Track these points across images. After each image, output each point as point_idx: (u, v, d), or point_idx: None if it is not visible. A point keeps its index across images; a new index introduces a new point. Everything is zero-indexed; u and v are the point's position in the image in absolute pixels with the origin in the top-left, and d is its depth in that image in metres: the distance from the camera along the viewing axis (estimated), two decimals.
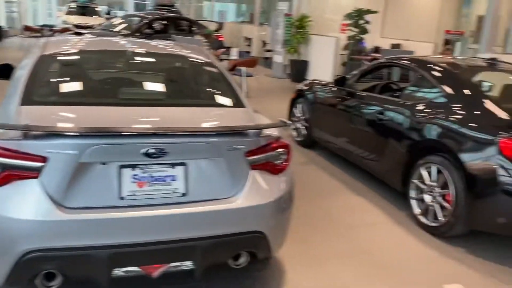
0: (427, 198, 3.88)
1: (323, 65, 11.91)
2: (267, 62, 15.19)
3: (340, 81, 5.26)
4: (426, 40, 12.16)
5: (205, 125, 2.66)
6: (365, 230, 3.91)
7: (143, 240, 2.31)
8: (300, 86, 6.33)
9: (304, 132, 6.13)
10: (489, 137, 3.39)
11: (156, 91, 3.21)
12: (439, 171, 3.74)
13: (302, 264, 3.29)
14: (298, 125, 6.27)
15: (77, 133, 2.24)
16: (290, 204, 2.79)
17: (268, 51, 15.42)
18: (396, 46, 12.74)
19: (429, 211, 3.86)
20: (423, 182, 3.93)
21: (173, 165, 2.39)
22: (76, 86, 3.05)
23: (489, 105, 3.70)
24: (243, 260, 2.61)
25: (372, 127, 4.63)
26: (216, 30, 14.24)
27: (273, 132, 2.73)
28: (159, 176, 2.38)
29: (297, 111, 6.31)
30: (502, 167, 3.27)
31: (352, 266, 3.32)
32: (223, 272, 2.92)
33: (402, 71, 4.92)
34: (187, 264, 2.43)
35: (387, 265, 3.36)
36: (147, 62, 3.47)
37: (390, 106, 4.44)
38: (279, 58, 13.47)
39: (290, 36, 12.66)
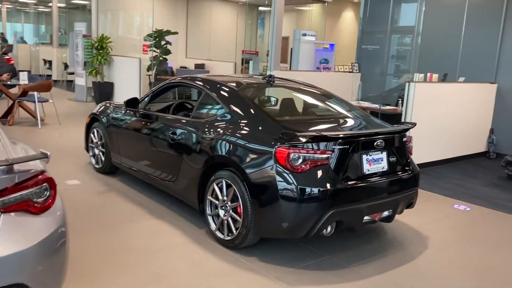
0: (221, 212, 3.97)
1: (129, 87, 11.61)
2: (71, 85, 14.23)
3: (131, 103, 5.11)
4: (227, 60, 12.86)
5: None
6: (163, 254, 3.80)
7: None
8: (95, 109, 5.98)
9: (103, 158, 5.79)
10: (267, 148, 3.61)
11: None
12: (229, 185, 3.85)
13: None
14: (96, 151, 5.91)
15: None
16: (62, 244, 2.49)
17: (71, 73, 14.48)
18: (200, 66, 13.16)
19: (224, 225, 3.95)
20: (216, 197, 4.01)
21: None
22: None
23: (267, 119, 3.95)
24: None
25: (166, 147, 4.58)
26: (4, 53, 12.80)
27: (34, 165, 2.42)
28: None
29: (94, 137, 5.95)
30: (279, 174, 3.51)
31: None
32: None
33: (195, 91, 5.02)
34: None
35: None
36: None
37: (182, 126, 4.46)
38: (81, 80, 12.72)
39: (90, 58, 12.05)
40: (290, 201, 3.51)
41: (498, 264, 4.07)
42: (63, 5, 19.54)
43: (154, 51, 11.51)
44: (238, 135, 3.88)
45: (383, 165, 3.91)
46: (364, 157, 3.78)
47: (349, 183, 3.63)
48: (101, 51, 11.94)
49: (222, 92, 4.35)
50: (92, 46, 12.05)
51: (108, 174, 5.84)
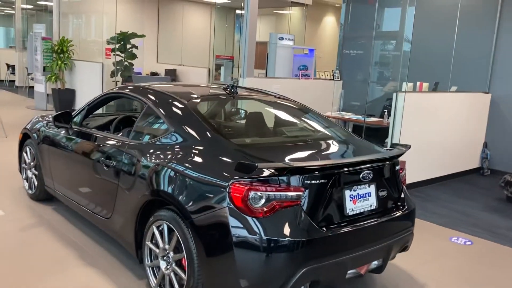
0: (162, 264, 3.05)
1: (91, 94, 10.58)
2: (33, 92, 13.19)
3: (62, 118, 4.17)
4: (201, 66, 11.96)
5: None
6: None
7: None
8: (28, 124, 5.02)
9: (36, 182, 4.82)
10: (219, 182, 2.71)
11: None
12: (171, 230, 2.94)
13: None
14: (29, 174, 4.94)
15: None
16: None
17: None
18: (171, 72, 12.26)
19: (166, 281, 3.03)
20: (157, 244, 3.09)
21: None
22: None
23: (221, 141, 3.06)
24: None
25: (100, 174, 3.65)
26: None
27: None
28: None
29: (26, 156, 4.98)
30: (235, 219, 2.62)
31: None
32: None
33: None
34: None
35: None
36: None
37: (118, 147, 3.53)
38: (41, 87, 11.68)
39: (50, 62, 11.03)
40: (249, 254, 2.62)
41: None
42: (30, 6, 18.42)
43: (118, 55, 10.53)
44: (181, 163, 2.97)
45: (371, 202, 3.05)
46: (347, 193, 2.91)
47: (328, 229, 2.75)
48: (62, 55, 10.93)
49: (166, 106, 3.42)
50: (52, 50, 11.04)
51: (43, 201, 4.86)
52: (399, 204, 3.26)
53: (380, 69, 10.25)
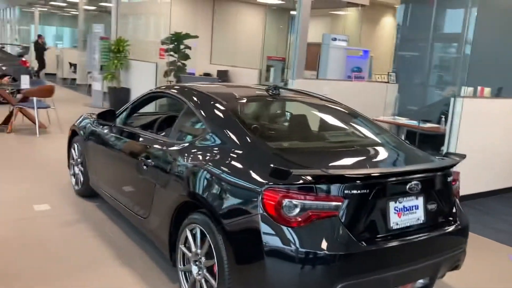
0: (194, 269, 2.95)
1: None
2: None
3: (106, 115, 4.19)
4: (253, 67, 11.90)
5: None
6: None
7: None
8: (76, 121, 5.12)
9: (82, 178, 4.90)
10: (252, 187, 2.57)
11: None
12: (204, 235, 2.83)
13: None
14: (76, 170, 5.03)
15: None
16: None
17: None
18: (223, 73, 12.29)
19: (196, 287, 2.93)
20: (189, 248, 3.00)
21: None
22: None
23: (258, 144, 2.92)
24: None
25: (140, 173, 3.61)
26: (20, 55, 12.31)
27: None
28: None
29: (74, 152, 5.08)
30: (267, 227, 2.46)
31: None
32: None
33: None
34: None
35: None
36: None
37: (157, 147, 3.48)
38: (98, 85, 12.06)
39: (107, 61, 11.36)
40: (281, 264, 2.46)
41: None
42: (92, 8, 19.18)
43: (172, 55, 10.67)
44: (216, 165, 2.85)
45: (418, 216, 2.80)
46: (392, 205, 2.68)
47: (368, 243, 2.54)
48: (118, 55, 11.23)
49: (204, 107, 3.33)
50: (109, 49, 11.37)
51: (88, 197, 4.92)
52: (450, 218, 2.98)
53: (439, 73, 9.75)
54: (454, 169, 3.07)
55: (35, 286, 3.18)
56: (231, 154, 2.89)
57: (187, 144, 3.23)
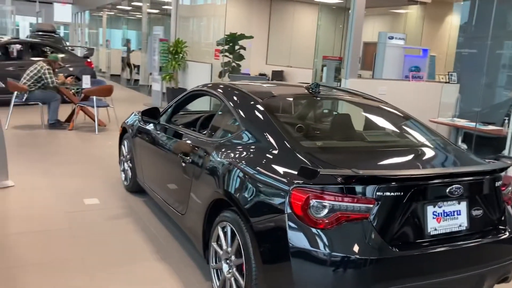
0: (225, 268, 2.93)
1: None
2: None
3: (151, 113, 4.28)
4: (308, 67, 11.78)
5: None
6: None
7: None
8: (127, 118, 5.28)
9: (130, 174, 5.05)
10: (282, 186, 2.51)
11: None
12: (234, 233, 2.80)
13: None
14: (126, 166, 5.19)
15: None
16: None
17: None
18: (278, 73, 12.27)
19: (226, 285, 2.91)
20: (220, 246, 2.98)
21: None
22: None
23: (291, 142, 2.85)
24: None
25: (178, 170, 3.65)
26: (86, 57, 12.93)
27: None
28: None
29: (124, 149, 5.24)
30: (293, 227, 2.39)
31: None
32: None
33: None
34: None
35: None
36: None
37: (194, 144, 3.51)
38: (157, 85, 12.42)
39: (166, 62, 11.68)
40: (307, 266, 2.38)
41: None
42: (155, 11, 19.83)
43: (227, 56, 10.78)
44: (248, 163, 2.82)
45: (460, 222, 2.61)
46: (430, 209, 2.52)
47: (402, 249, 2.40)
48: (176, 56, 11.51)
49: (240, 105, 3.30)
50: (168, 51, 11.68)
51: (136, 193, 5.07)
52: (499, 226, 2.76)
53: (509, 73, 9.15)
54: (506, 174, 2.84)
55: (78, 275, 3.30)
56: (263, 152, 2.84)
57: (222, 141, 3.23)
